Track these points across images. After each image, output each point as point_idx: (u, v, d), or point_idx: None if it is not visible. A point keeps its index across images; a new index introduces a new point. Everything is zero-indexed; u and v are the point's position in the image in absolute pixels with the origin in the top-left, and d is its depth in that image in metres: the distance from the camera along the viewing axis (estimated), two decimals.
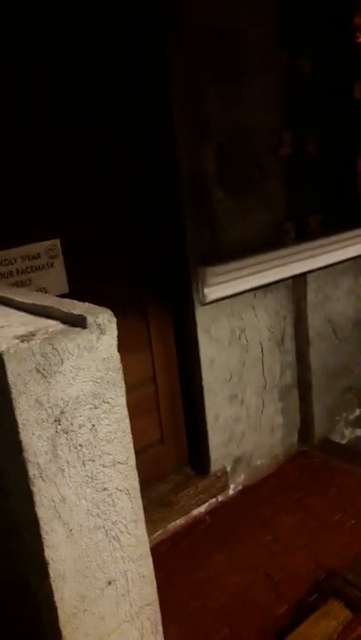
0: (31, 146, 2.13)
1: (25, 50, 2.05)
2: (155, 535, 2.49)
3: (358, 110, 2.86)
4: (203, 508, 2.70)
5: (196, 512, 2.68)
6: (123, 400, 1.13)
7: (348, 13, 2.75)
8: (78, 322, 1.09)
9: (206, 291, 2.51)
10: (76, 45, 2.18)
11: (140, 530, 1.17)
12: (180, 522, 2.62)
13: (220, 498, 2.76)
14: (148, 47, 2.33)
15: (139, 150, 2.44)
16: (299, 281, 2.87)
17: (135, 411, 1.23)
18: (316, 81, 2.78)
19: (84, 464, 1.09)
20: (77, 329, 1.08)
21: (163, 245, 2.56)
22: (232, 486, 2.81)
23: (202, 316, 2.56)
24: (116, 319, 1.10)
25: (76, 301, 1.17)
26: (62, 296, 1.50)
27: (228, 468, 2.79)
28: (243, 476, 2.85)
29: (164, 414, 2.72)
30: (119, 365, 1.12)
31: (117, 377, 1.12)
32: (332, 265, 2.92)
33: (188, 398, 2.75)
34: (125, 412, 1.13)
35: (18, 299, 1.27)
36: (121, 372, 1.12)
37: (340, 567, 2.19)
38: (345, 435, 3.26)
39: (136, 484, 1.16)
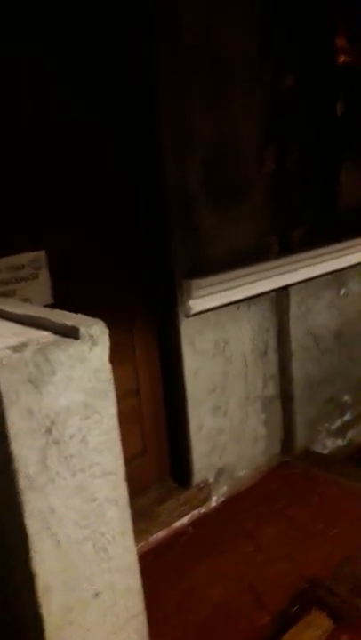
0: (31, 150, 2.14)
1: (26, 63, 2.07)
2: (137, 547, 2.46)
3: (340, 127, 2.93)
4: (185, 520, 2.69)
5: (178, 524, 2.67)
6: (113, 410, 1.14)
7: (331, 35, 2.82)
8: (70, 333, 1.10)
9: (191, 303, 2.53)
10: (73, 61, 2.22)
11: (129, 540, 1.18)
12: (162, 534, 2.61)
13: (202, 509, 2.76)
14: (141, 59, 2.36)
15: (127, 168, 2.46)
16: (282, 293, 2.90)
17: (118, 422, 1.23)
18: (301, 97, 2.84)
19: (73, 475, 1.09)
20: (69, 340, 1.09)
21: (149, 258, 2.57)
22: (214, 498, 2.81)
23: (187, 327, 2.57)
24: (108, 330, 1.11)
25: (67, 312, 1.18)
26: (46, 307, 1.50)
27: (211, 480, 2.79)
28: (225, 488, 2.85)
29: (147, 426, 2.72)
30: (110, 376, 1.13)
31: (108, 387, 1.13)
32: (314, 278, 2.96)
33: (171, 409, 2.75)
34: (116, 422, 1.14)
35: (8, 309, 1.28)
36: (112, 382, 1.13)
37: (322, 577, 2.20)
38: (327, 445, 3.29)
39: (125, 494, 1.16)
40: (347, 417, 3.38)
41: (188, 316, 2.55)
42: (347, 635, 1.91)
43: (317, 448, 3.24)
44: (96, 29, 2.26)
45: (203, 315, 2.60)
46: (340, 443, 3.37)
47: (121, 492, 1.16)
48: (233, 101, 2.61)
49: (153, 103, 2.40)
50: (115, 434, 1.14)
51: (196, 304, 2.54)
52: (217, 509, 2.79)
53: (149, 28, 2.31)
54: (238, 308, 2.75)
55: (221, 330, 2.71)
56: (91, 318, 1.13)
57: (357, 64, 3.00)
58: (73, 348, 1.07)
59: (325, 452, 3.28)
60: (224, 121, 2.60)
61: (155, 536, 2.58)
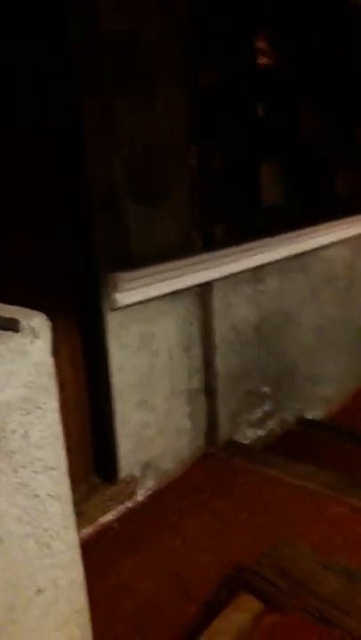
0: None
1: None
2: None
3: (261, 128, 3.02)
4: (111, 516, 2.68)
5: (104, 520, 2.65)
6: (55, 405, 1.11)
7: (251, 37, 2.90)
8: (9, 325, 1.07)
9: (117, 296, 2.52)
10: None
11: (71, 535, 1.16)
12: (87, 530, 2.58)
13: (128, 504, 2.76)
14: (61, 56, 2.32)
15: (52, 156, 2.40)
16: (205, 288, 2.95)
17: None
18: (223, 98, 2.90)
19: (15, 471, 1.06)
20: (9, 332, 1.05)
21: (74, 250, 2.53)
22: (140, 492, 2.82)
23: (112, 321, 2.56)
24: (50, 322, 1.09)
25: (5, 304, 1.14)
26: None
27: (137, 474, 2.79)
28: (151, 482, 2.87)
29: (72, 422, 2.67)
30: (52, 370, 1.10)
31: (50, 382, 1.10)
32: (236, 274, 3.04)
33: (96, 405, 2.73)
34: (58, 416, 1.12)
35: None
36: (53, 376, 1.11)
37: (247, 565, 2.26)
38: (247, 435, 3.39)
39: (67, 489, 1.15)
40: (266, 408, 3.50)
41: (113, 309, 2.54)
42: (275, 616, 1.98)
43: (239, 438, 3.34)
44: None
45: (129, 308, 2.60)
46: (260, 433, 3.48)
47: (63, 487, 1.14)
48: (158, 98, 2.63)
49: (76, 94, 2.37)
50: (57, 429, 1.12)
51: (123, 297, 2.53)
52: (143, 504, 2.80)
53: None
54: (163, 302, 2.77)
55: (147, 324, 2.72)
56: (31, 310, 1.10)
57: (277, 67, 3.11)
58: (13, 340, 1.04)
59: (247, 442, 3.39)
60: (148, 116, 2.61)
61: (81, 532, 2.53)
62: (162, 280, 2.68)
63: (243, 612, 1.98)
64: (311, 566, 2.18)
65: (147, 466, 2.83)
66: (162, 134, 2.69)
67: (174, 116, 2.73)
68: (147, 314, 2.70)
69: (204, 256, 2.87)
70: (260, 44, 2.95)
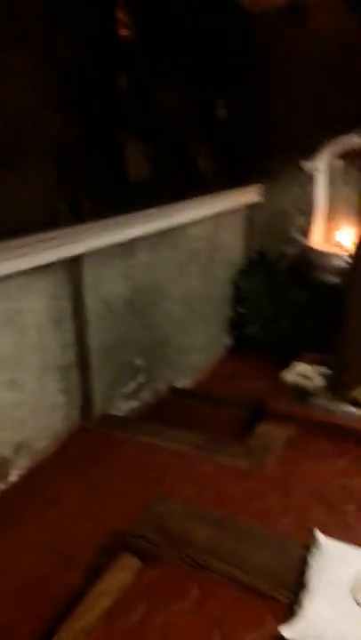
0: None
1: None
2: None
3: (123, 100, 3.01)
4: None
5: None
6: None
7: (112, 7, 2.88)
8: None
9: None
10: None
11: None
12: None
13: (1, 486, 2.70)
14: None
15: None
16: (75, 262, 2.92)
17: None
18: (83, 68, 2.85)
19: None
20: None
21: None
22: (14, 472, 2.76)
23: None
24: None
25: None
26: None
27: (9, 455, 2.73)
28: (25, 461, 2.81)
29: None
30: None
31: None
32: (107, 248, 3.04)
33: None
34: None
35: None
36: None
37: (126, 528, 2.32)
38: (122, 407, 3.45)
39: None
40: (139, 379, 3.58)
41: None
42: (154, 570, 2.06)
43: (115, 410, 3.38)
44: None
45: None
46: (135, 403, 3.55)
47: None
48: (11, 61, 2.52)
49: None
50: None
51: None
52: (17, 484, 2.75)
53: None
54: (30, 276, 2.70)
55: (13, 300, 2.64)
56: None
57: (137, 38, 3.10)
58: None
59: (122, 413, 3.44)
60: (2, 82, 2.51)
61: None
62: (26, 254, 2.60)
63: (123, 571, 2.04)
64: (185, 520, 2.30)
65: (20, 446, 2.78)
66: (19, 101, 2.59)
67: (34, 83, 2.65)
68: (12, 290, 2.62)
69: (73, 229, 2.84)
70: (121, 16, 2.92)
